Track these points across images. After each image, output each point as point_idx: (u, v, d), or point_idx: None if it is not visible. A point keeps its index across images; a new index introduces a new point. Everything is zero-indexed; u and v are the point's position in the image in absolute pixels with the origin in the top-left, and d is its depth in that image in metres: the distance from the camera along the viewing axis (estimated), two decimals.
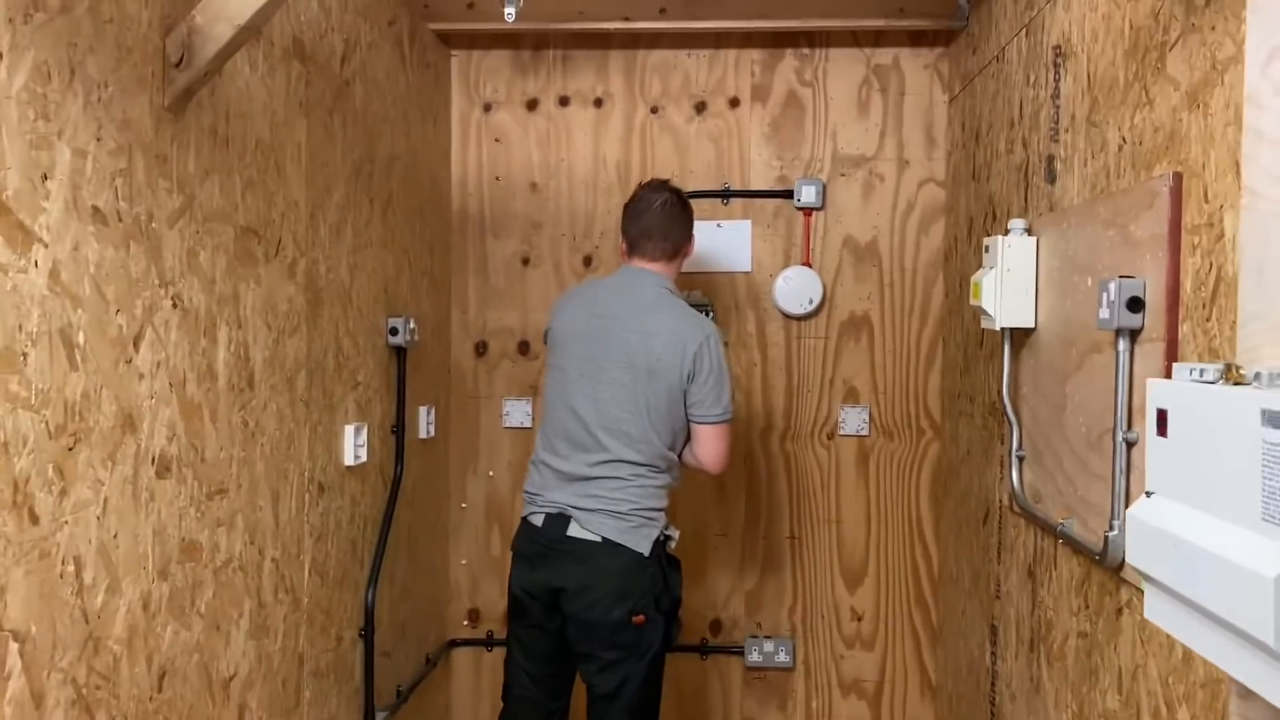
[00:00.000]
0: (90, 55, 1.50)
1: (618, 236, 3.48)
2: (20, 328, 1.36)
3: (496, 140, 3.52)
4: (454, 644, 3.56)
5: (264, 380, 2.09)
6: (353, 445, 2.54)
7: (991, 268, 2.34)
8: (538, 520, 2.63)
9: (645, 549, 2.58)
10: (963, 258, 3.17)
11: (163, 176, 1.70)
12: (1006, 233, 2.34)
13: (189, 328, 1.79)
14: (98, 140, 1.52)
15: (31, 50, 1.38)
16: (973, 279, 2.42)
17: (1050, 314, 2.23)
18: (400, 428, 2.91)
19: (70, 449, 1.47)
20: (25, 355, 1.37)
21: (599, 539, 2.57)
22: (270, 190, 2.10)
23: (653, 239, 2.72)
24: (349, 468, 2.55)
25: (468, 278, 3.55)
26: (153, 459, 1.68)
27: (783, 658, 3.46)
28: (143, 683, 1.66)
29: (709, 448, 2.67)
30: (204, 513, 1.85)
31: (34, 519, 1.39)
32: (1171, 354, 1.62)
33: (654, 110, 3.48)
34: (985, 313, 2.36)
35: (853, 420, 3.44)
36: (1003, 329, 2.37)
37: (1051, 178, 2.28)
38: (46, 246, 1.41)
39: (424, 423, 3.17)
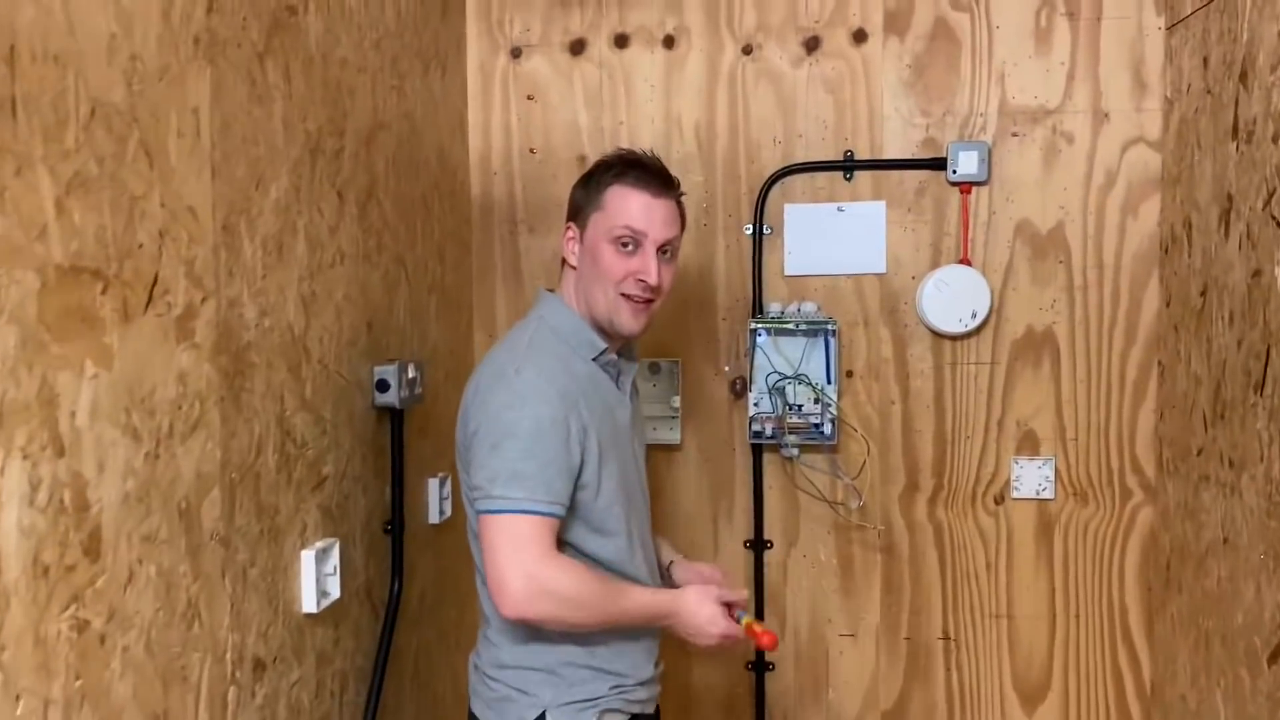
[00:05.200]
0: None
1: (698, 229, 2.55)
2: None
3: (530, 98, 2.57)
4: None
5: (121, 534, 1.17)
6: (315, 580, 1.62)
7: None
8: None
9: None
10: (1202, 250, 2.18)
11: None
12: None
13: None
14: None
15: None
16: None
17: None
18: (397, 523, 1.99)
19: None
20: None
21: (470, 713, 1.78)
22: (129, 194, 1.17)
23: None
24: (311, 616, 1.64)
25: (494, 287, 2.61)
26: None
27: None
28: None
29: (485, 556, 1.63)
30: None
31: None
32: None
33: (746, 51, 2.51)
34: None
35: (1031, 477, 2.48)
36: None
37: None
38: None
39: (435, 501, 2.24)
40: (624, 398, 1.85)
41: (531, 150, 2.57)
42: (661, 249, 1.77)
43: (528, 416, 1.62)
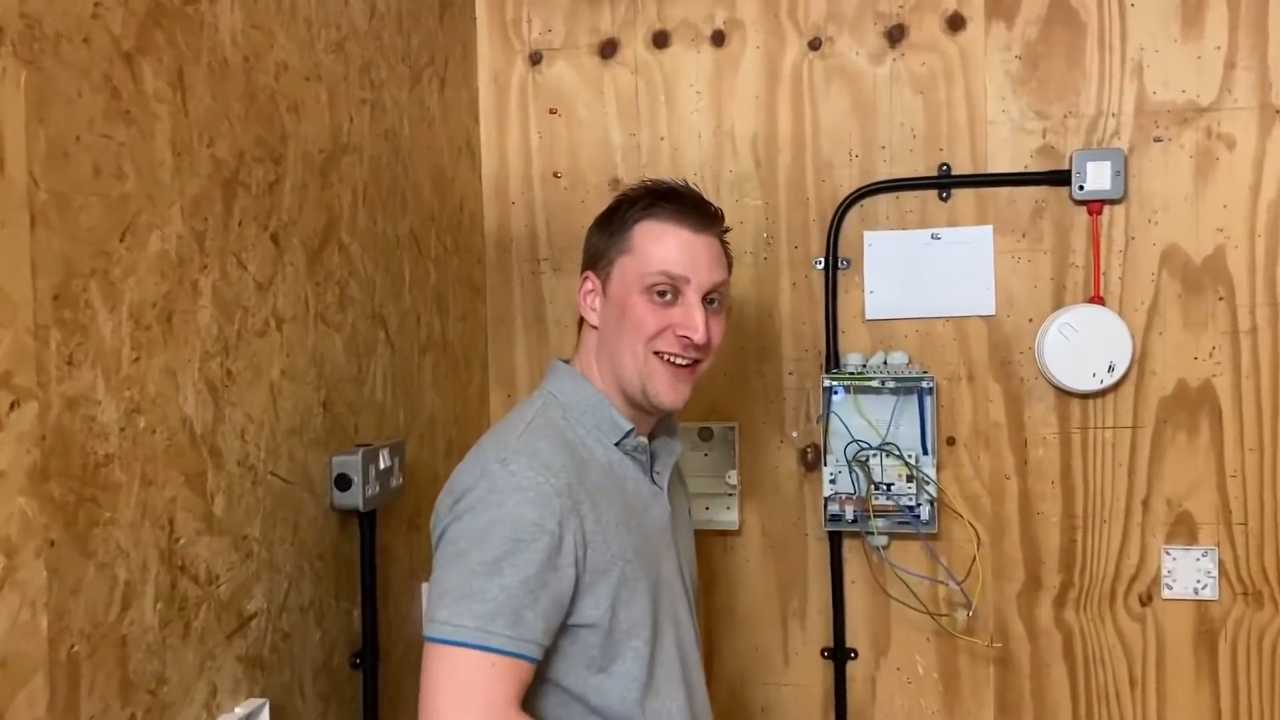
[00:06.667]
0: None
1: (757, 264, 2.10)
2: None
3: (553, 111, 2.14)
4: None
5: None
6: None
7: None
8: None
9: None
10: None
11: None
12: None
13: None
14: None
15: None
16: None
17: None
18: (369, 654, 1.56)
19: None
20: None
21: None
22: None
23: None
24: None
25: (514, 337, 2.19)
26: None
27: None
28: None
29: (420, 697, 1.18)
30: None
31: None
32: None
33: (814, 45, 2.05)
34: None
35: (1187, 572, 1.95)
36: None
37: None
38: None
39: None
40: (660, 491, 1.42)
41: (556, 174, 2.14)
42: (707, 297, 1.34)
43: (505, 520, 1.20)
